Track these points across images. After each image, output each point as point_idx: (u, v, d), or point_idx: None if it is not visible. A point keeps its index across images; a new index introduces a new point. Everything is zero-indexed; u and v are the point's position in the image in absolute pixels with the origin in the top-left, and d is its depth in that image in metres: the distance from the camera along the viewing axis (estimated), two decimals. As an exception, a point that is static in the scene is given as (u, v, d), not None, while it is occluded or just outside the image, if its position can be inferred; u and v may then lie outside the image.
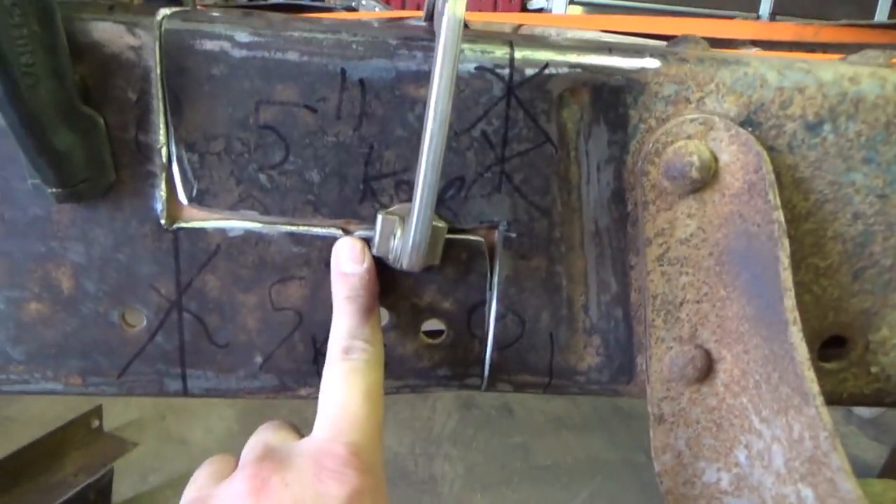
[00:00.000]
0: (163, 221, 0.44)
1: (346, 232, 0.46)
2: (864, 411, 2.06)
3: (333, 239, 0.46)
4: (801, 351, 0.39)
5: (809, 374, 0.39)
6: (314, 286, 0.47)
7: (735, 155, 0.44)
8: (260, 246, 0.46)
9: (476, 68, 0.43)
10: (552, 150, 0.45)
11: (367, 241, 0.45)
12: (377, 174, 0.45)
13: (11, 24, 0.34)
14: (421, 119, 0.43)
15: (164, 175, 0.43)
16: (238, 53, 0.41)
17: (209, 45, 0.41)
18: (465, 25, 0.37)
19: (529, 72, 0.43)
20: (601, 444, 2.01)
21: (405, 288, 0.48)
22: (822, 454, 0.38)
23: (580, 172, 0.46)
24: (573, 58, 0.44)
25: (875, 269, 0.48)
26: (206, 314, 0.47)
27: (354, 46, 0.42)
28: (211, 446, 1.85)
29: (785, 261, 0.41)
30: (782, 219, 0.41)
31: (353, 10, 1.69)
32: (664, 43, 0.56)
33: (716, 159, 0.44)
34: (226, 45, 0.41)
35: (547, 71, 0.43)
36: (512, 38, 0.44)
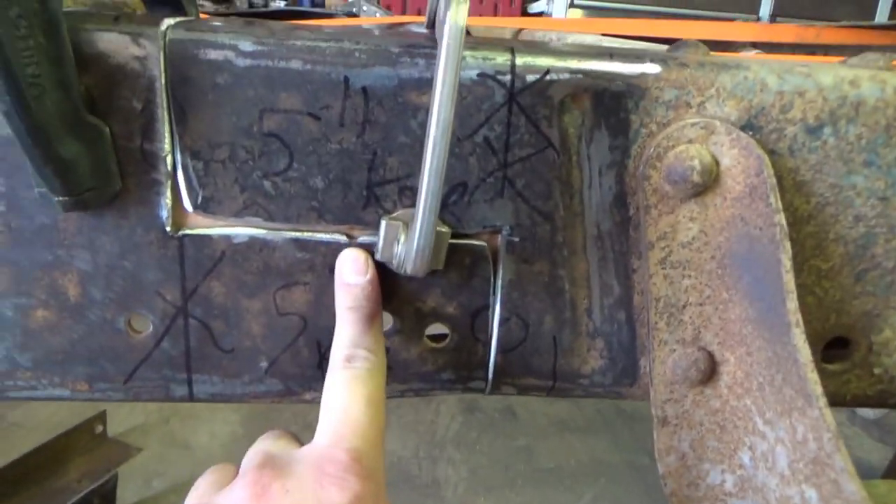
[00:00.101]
0: (168, 229, 0.45)
1: (350, 238, 0.46)
2: (867, 412, 2.05)
3: (337, 244, 0.46)
4: (805, 353, 0.39)
5: (813, 376, 0.39)
6: (318, 291, 0.47)
7: (736, 159, 0.44)
8: (264, 252, 0.46)
9: (478, 75, 0.43)
10: (554, 155, 0.45)
11: (371, 247, 0.46)
12: (380, 180, 0.45)
13: (17, 36, 0.34)
14: (423, 126, 0.44)
15: (169, 183, 0.44)
16: (242, 62, 0.42)
17: (213, 54, 0.42)
18: (467, 33, 0.37)
19: (531, 78, 0.43)
20: (604, 447, 2.00)
21: (409, 292, 0.48)
22: (825, 455, 0.38)
23: (582, 177, 0.46)
24: (574, 64, 0.44)
25: (877, 270, 0.48)
26: (212, 320, 0.47)
27: (357, 54, 0.43)
28: (215, 451, 1.85)
29: (787, 263, 0.41)
30: (784, 222, 0.42)
31: (355, 16, 1.70)
32: (665, 47, 0.57)
33: (717, 163, 0.44)
34: (230, 55, 0.42)
35: (548, 77, 0.44)
36: (513, 45, 0.44)
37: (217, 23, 0.44)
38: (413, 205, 0.45)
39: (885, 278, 0.48)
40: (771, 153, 0.45)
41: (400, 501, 1.74)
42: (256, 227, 0.45)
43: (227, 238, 0.45)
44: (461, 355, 0.50)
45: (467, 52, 0.43)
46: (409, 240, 0.42)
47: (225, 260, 0.46)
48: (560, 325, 0.49)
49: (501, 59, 0.43)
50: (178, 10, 0.48)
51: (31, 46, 0.35)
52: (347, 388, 0.41)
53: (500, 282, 0.48)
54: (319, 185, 0.45)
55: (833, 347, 0.51)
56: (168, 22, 0.42)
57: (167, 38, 0.41)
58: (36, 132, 0.37)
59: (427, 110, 0.43)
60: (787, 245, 0.41)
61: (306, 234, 0.46)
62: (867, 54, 0.49)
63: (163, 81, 0.42)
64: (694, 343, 0.47)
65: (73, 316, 0.46)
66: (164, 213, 0.44)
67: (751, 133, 0.45)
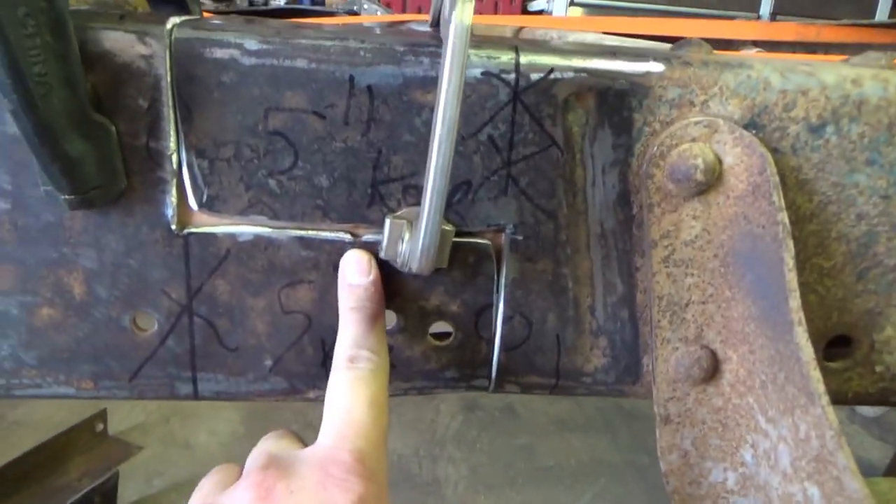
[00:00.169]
0: (173, 227, 0.45)
1: (355, 236, 0.46)
2: (868, 410, 2.06)
3: (342, 243, 0.46)
4: (807, 351, 0.40)
5: (815, 374, 0.39)
6: (323, 290, 0.47)
7: (739, 157, 0.44)
8: (269, 250, 0.46)
9: (482, 73, 0.43)
10: (558, 153, 0.45)
11: (375, 245, 0.46)
12: (385, 179, 0.45)
13: (25, 35, 0.35)
14: (428, 124, 0.44)
15: (174, 181, 0.44)
16: (247, 61, 0.42)
17: (219, 53, 0.42)
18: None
19: (535, 76, 0.44)
20: (605, 446, 2.01)
21: (413, 291, 0.48)
22: (828, 453, 0.38)
23: (585, 175, 0.46)
24: (578, 62, 0.44)
25: (879, 269, 0.48)
26: (217, 318, 0.47)
27: (362, 53, 0.43)
28: (216, 450, 1.85)
29: (790, 262, 0.41)
30: (787, 220, 0.42)
31: (355, 13, 1.70)
32: (666, 45, 0.57)
33: (720, 162, 0.45)
34: (235, 53, 0.42)
35: (552, 76, 0.44)
36: (517, 44, 0.44)
37: (215, 21, 0.45)
38: (417, 203, 0.45)
39: (887, 276, 0.48)
40: (774, 152, 0.45)
41: (401, 500, 1.74)
42: (261, 225, 0.46)
43: (232, 236, 0.45)
44: (465, 353, 0.50)
45: (471, 51, 0.43)
46: (413, 238, 0.42)
47: (230, 258, 0.46)
48: (563, 324, 0.49)
49: (506, 57, 0.43)
50: (182, 8, 0.48)
51: (38, 45, 0.35)
52: (351, 389, 0.42)
53: (503, 280, 0.48)
54: (324, 184, 0.45)
55: (835, 346, 0.51)
56: (174, 20, 0.42)
57: (173, 37, 0.42)
58: (43, 130, 0.37)
59: (431, 109, 0.43)
60: (790, 243, 0.42)
61: (311, 233, 0.46)
62: (870, 53, 0.49)
63: (168, 80, 0.42)
64: (697, 341, 0.47)
65: (78, 314, 0.46)
66: (170, 212, 0.44)
67: (754, 131, 0.45)
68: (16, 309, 0.45)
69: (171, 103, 0.42)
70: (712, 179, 0.44)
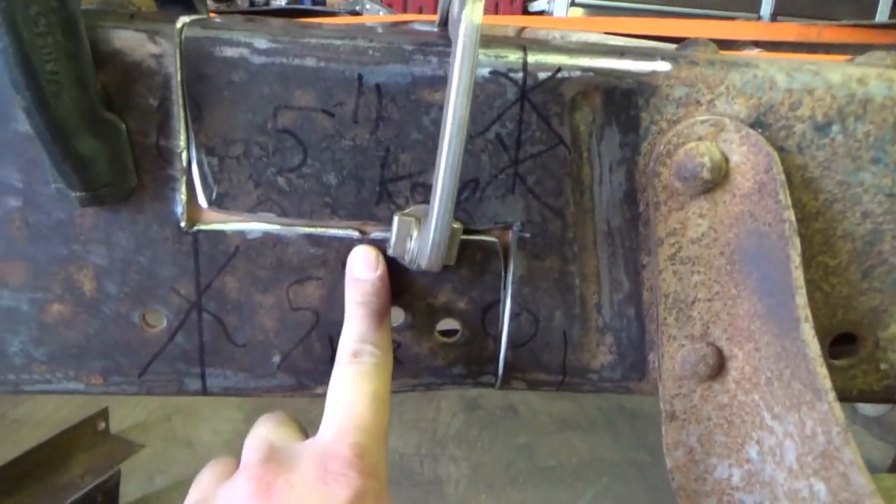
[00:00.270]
0: (183, 224, 0.45)
1: (363, 233, 0.47)
2: (869, 409, 2.06)
3: (350, 240, 0.46)
4: (814, 348, 0.40)
5: (822, 371, 0.39)
6: (331, 286, 0.47)
7: (745, 156, 0.45)
8: (278, 247, 0.46)
9: (490, 72, 0.43)
10: (565, 152, 0.46)
11: (383, 242, 0.46)
12: (393, 176, 0.45)
13: (37, 34, 0.35)
14: (436, 123, 0.44)
15: (184, 179, 0.44)
16: (257, 60, 0.42)
17: (229, 51, 0.42)
18: None
19: (542, 75, 0.44)
20: (606, 445, 2.01)
21: (420, 288, 0.48)
22: (834, 449, 0.38)
23: (593, 174, 0.46)
24: (585, 61, 0.44)
25: (884, 267, 0.49)
26: (225, 314, 0.47)
27: (371, 52, 0.43)
28: (217, 448, 1.86)
29: (796, 259, 0.42)
30: (793, 218, 0.42)
31: (357, 14, 1.70)
32: (671, 45, 0.57)
33: (726, 160, 0.45)
34: (245, 52, 0.42)
35: (559, 75, 0.44)
36: (525, 43, 0.45)
37: (219, 20, 0.45)
38: (425, 201, 0.45)
39: (892, 275, 0.49)
40: (780, 150, 0.45)
41: (402, 498, 1.75)
42: (270, 222, 0.46)
43: (241, 233, 0.46)
44: (472, 350, 0.50)
45: (480, 50, 0.43)
46: (422, 236, 0.43)
47: (239, 255, 0.46)
48: (570, 321, 0.50)
49: (514, 56, 0.44)
50: (189, 7, 0.49)
51: (49, 44, 0.36)
52: (353, 383, 0.42)
53: (510, 277, 0.48)
54: (333, 182, 0.45)
55: (840, 343, 0.51)
56: (183, 20, 0.43)
57: (183, 36, 0.42)
58: (54, 128, 0.37)
59: (440, 107, 0.43)
60: (797, 241, 0.42)
61: (319, 230, 0.46)
62: (874, 52, 0.49)
63: (178, 78, 0.42)
64: (703, 338, 0.48)
65: (88, 310, 0.46)
66: (179, 209, 0.45)
67: (760, 130, 0.45)
68: (26, 305, 0.46)
69: (181, 102, 0.43)
70: (719, 178, 0.45)
